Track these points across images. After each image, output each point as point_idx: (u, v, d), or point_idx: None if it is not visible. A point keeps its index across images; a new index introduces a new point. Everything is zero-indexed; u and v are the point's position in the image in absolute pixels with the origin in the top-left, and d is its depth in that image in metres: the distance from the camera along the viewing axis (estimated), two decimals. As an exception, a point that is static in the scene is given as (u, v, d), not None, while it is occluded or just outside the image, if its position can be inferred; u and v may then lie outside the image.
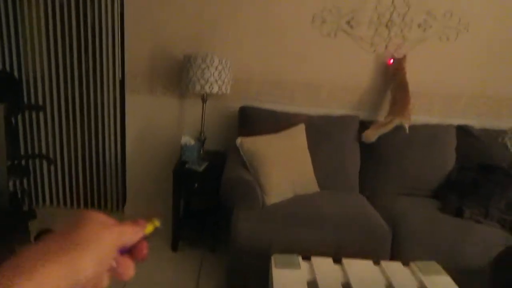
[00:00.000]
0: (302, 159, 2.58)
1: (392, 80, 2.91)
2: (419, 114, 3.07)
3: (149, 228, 0.54)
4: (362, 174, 2.82)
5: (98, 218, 0.47)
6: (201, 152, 2.88)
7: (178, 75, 3.01)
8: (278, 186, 2.41)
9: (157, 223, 0.55)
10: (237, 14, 2.94)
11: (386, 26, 2.92)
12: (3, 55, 3.00)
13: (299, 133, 2.65)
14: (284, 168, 2.46)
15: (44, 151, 3.19)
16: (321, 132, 2.77)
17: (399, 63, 2.89)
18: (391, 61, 2.95)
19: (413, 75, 2.98)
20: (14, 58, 3.00)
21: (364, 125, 2.87)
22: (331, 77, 3.04)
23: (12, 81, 2.18)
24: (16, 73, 3.01)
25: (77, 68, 3.05)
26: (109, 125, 3.15)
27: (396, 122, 2.69)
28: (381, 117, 3.02)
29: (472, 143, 2.84)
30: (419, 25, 2.92)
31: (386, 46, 2.97)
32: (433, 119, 3.06)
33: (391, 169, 2.77)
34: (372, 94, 3.06)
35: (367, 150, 2.82)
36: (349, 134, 2.82)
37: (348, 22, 2.92)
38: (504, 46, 2.97)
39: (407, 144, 2.77)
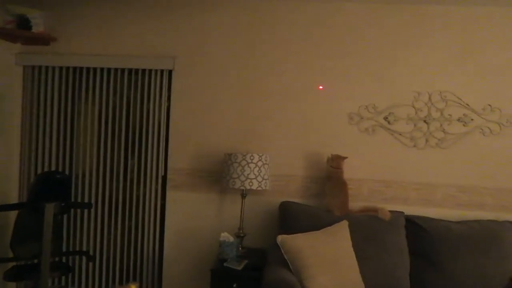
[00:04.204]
0: (347, 260, 2.43)
1: (330, 178, 2.86)
2: (469, 209, 2.91)
3: None
4: (413, 276, 2.59)
5: None
6: (240, 249, 2.80)
7: (218, 172, 3.07)
8: (322, 289, 2.25)
9: (133, 286, 0.67)
10: (276, 113, 3.08)
11: (425, 121, 2.93)
12: (57, 154, 3.23)
13: (342, 230, 2.53)
14: (328, 269, 2.32)
15: (84, 246, 3.21)
16: (366, 229, 2.64)
17: (338, 162, 2.84)
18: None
19: (459, 169, 2.91)
20: (67, 157, 3.22)
21: (410, 221, 2.72)
22: (371, 172, 3.00)
23: (65, 182, 2.31)
24: (67, 171, 3.20)
25: (123, 165, 3.21)
26: (149, 221, 3.18)
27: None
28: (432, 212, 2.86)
29: (534, 241, 2.59)
30: (459, 119, 2.91)
31: (427, 140, 2.94)
32: (485, 214, 2.87)
33: (446, 271, 2.53)
34: (416, 188, 2.96)
35: (416, 249, 2.63)
36: (395, 232, 2.67)
37: (385, 118, 2.97)
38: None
39: (462, 242, 2.57)
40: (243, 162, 2.68)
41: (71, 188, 2.37)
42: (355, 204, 2.86)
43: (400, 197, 2.98)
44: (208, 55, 3.13)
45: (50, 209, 2.27)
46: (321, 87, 3.03)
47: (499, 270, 2.50)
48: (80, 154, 3.25)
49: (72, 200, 3.13)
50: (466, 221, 2.72)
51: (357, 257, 2.49)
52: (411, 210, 2.90)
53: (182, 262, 3.13)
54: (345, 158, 2.84)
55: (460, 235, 2.60)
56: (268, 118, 3.09)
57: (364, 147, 3.01)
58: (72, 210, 3.21)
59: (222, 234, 2.76)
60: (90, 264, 3.23)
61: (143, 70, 3.18)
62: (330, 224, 2.61)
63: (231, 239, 2.74)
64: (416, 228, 2.69)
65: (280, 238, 2.40)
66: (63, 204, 2.30)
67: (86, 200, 3.21)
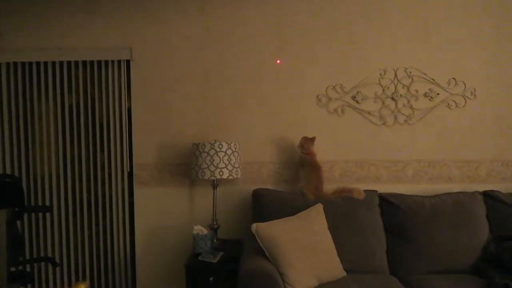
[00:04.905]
0: (324, 242, 2.39)
1: (303, 164, 2.80)
2: (439, 183, 2.93)
3: None
4: (390, 254, 2.59)
5: None
6: (215, 241, 2.71)
7: (187, 164, 2.96)
8: (301, 275, 2.20)
9: (83, 286, 0.59)
10: (242, 99, 2.98)
11: (392, 98, 2.92)
12: (12, 157, 3.01)
13: (317, 214, 2.49)
14: (306, 254, 2.27)
15: (50, 252, 3.03)
16: (341, 211, 2.61)
17: (307, 145, 2.79)
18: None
19: (428, 144, 2.92)
20: (23, 158, 3.00)
21: (384, 199, 2.71)
22: (342, 153, 2.97)
23: (16, 185, 2.13)
24: (24, 175, 2.99)
25: (85, 163, 3.03)
26: (117, 220, 3.03)
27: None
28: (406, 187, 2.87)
29: (503, 209, 2.64)
30: (425, 95, 2.91)
31: (395, 118, 2.93)
32: (455, 187, 2.90)
33: (421, 245, 2.53)
34: (387, 165, 2.96)
35: (391, 226, 2.63)
36: (370, 211, 2.65)
37: (353, 98, 2.93)
38: (515, 109, 2.93)
39: (434, 215, 2.58)
40: (212, 152, 2.58)
41: (23, 192, 2.18)
42: (328, 186, 2.81)
43: (372, 176, 2.98)
44: (167, 43, 2.99)
45: (1, 216, 2.08)
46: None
47: (472, 241, 2.53)
48: (37, 155, 3.04)
49: (32, 204, 2.93)
50: (437, 195, 2.73)
51: (333, 239, 2.45)
52: (383, 188, 2.90)
53: (156, 260, 3.00)
54: (313, 138, 2.79)
55: (432, 210, 2.61)
56: (234, 105, 2.99)
57: (334, 129, 2.97)
58: (33, 215, 3.01)
59: (195, 227, 2.66)
60: (57, 271, 3.05)
61: (99, 62, 2.99)
62: (305, 208, 2.55)
63: (205, 231, 2.65)
64: (389, 206, 2.68)
65: (255, 226, 2.32)
66: (16, 209, 2.12)
67: (47, 204, 3.01)
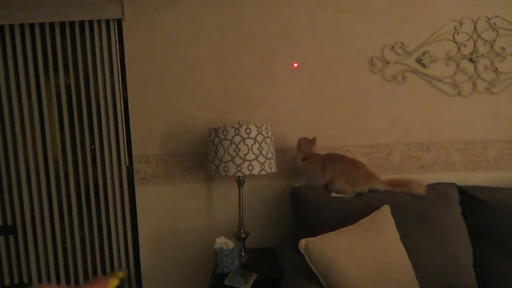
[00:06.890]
0: (397, 261, 1.73)
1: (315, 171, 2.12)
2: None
3: (113, 283, 0.64)
4: (481, 268, 1.93)
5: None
6: (243, 254, 2.07)
7: (201, 154, 2.30)
8: (373, 310, 1.55)
9: (121, 274, 0.68)
10: (269, 67, 2.28)
11: (471, 59, 2.20)
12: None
13: (385, 219, 1.82)
14: (377, 279, 1.61)
15: (35, 276, 2.41)
16: (411, 211, 1.94)
17: (307, 147, 2.13)
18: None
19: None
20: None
21: (465, 194, 2.04)
22: (404, 134, 2.28)
23: None
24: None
25: (71, 159, 2.36)
26: (116, 229, 2.38)
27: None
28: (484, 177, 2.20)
29: None
30: (515, 52, 2.20)
31: (474, 85, 2.22)
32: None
33: (521, 255, 1.88)
34: (462, 148, 2.27)
35: (479, 230, 1.96)
36: (450, 210, 1.98)
37: (419, 60, 2.21)
38: None
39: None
40: (237, 138, 1.90)
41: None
42: (386, 177, 2.13)
43: (442, 162, 2.30)
44: (170, -4, 2.26)
45: None
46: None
47: None
48: (10, 154, 2.36)
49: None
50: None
51: (405, 251, 1.80)
52: (457, 177, 2.25)
53: (166, 278, 2.36)
54: (314, 139, 2.14)
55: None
56: (260, 76, 2.29)
57: (392, 101, 2.27)
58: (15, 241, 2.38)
59: (218, 240, 2.00)
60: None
61: (81, 24, 2.27)
62: (364, 209, 1.90)
63: (230, 245, 1.99)
64: (475, 203, 2.00)
65: (303, 242, 1.66)
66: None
67: (26, 217, 2.36)
